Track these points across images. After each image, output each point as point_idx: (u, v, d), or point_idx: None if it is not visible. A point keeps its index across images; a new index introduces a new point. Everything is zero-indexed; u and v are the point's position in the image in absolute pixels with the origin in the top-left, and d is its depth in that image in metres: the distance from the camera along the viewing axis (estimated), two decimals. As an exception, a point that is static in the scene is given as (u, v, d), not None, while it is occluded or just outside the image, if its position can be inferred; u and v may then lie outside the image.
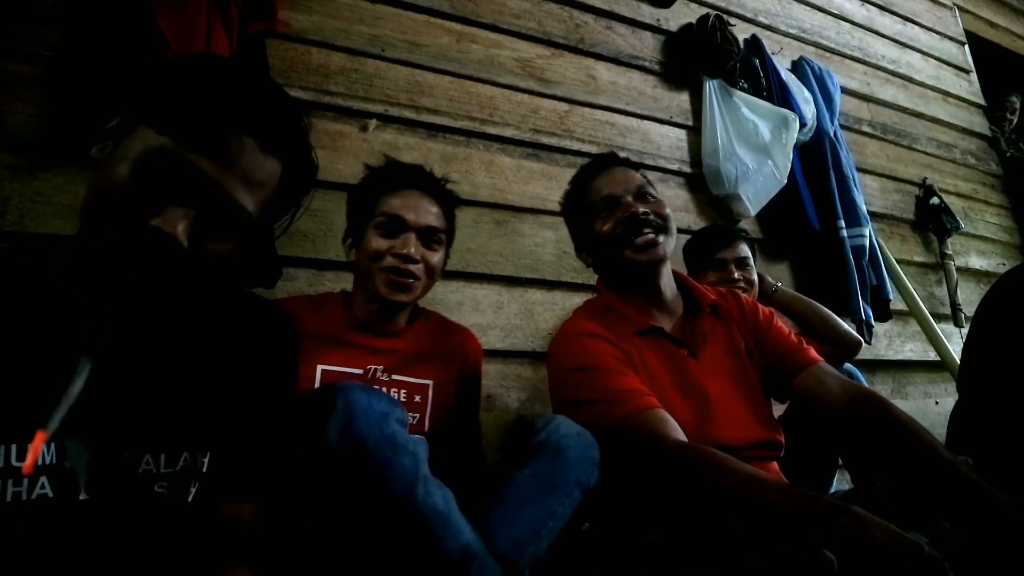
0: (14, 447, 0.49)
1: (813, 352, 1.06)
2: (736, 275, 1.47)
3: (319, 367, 0.99)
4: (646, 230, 1.02)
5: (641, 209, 1.03)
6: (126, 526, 0.53)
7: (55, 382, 0.52)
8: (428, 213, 1.05)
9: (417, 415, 1.05)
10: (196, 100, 0.52)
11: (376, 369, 1.03)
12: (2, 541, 0.48)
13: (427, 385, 1.07)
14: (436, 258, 1.06)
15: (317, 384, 0.97)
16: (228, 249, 0.55)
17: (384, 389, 1.02)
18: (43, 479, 0.50)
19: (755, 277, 1.52)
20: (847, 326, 1.56)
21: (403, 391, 1.05)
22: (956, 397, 1.02)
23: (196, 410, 0.58)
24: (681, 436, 0.86)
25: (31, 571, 0.49)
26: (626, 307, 1.06)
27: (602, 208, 1.06)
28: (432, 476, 0.76)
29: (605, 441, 0.89)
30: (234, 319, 0.64)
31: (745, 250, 1.52)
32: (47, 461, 0.50)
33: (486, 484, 0.86)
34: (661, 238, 1.03)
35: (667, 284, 1.08)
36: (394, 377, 1.05)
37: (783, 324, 1.13)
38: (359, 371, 1.01)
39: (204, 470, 0.57)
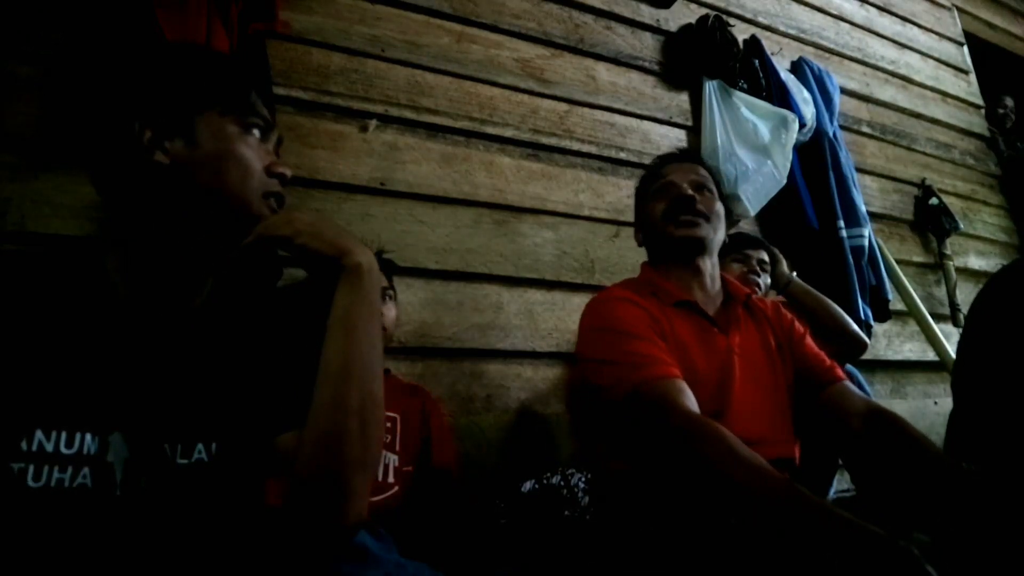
0: (63, 435, 0.52)
1: (840, 371, 1.09)
2: (756, 270, 1.57)
3: None
4: (691, 212, 1.08)
5: (691, 193, 1.08)
6: (157, 518, 0.55)
7: (105, 375, 0.55)
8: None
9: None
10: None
11: None
12: (39, 524, 0.50)
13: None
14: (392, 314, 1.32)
15: None
16: None
17: None
18: (86, 469, 0.53)
19: (768, 281, 1.59)
20: (855, 326, 1.56)
21: None
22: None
23: (216, 401, 0.60)
24: (695, 408, 0.86)
25: (62, 554, 0.51)
26: (665, 282, 1.09)
27: (661, 193, 1.12)
28: (404, 560, 0.77)
29: (619, 415, 0.90)
30: (252, 308, 0.68)
31: (766, 256, 1.62)
32: (92, 452, 0.53)
33: None
34: (702, 223, 1.08)
35: (709, 270, 1.11)
36: None
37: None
38: None
39: (207, 460, 0.58)
